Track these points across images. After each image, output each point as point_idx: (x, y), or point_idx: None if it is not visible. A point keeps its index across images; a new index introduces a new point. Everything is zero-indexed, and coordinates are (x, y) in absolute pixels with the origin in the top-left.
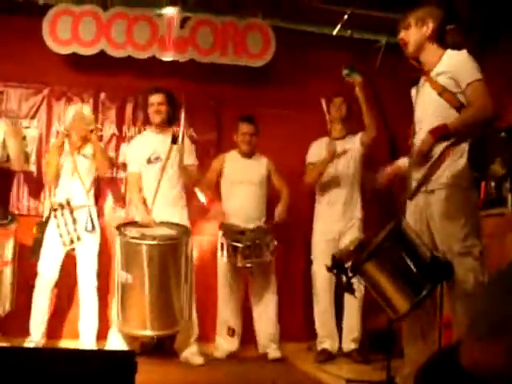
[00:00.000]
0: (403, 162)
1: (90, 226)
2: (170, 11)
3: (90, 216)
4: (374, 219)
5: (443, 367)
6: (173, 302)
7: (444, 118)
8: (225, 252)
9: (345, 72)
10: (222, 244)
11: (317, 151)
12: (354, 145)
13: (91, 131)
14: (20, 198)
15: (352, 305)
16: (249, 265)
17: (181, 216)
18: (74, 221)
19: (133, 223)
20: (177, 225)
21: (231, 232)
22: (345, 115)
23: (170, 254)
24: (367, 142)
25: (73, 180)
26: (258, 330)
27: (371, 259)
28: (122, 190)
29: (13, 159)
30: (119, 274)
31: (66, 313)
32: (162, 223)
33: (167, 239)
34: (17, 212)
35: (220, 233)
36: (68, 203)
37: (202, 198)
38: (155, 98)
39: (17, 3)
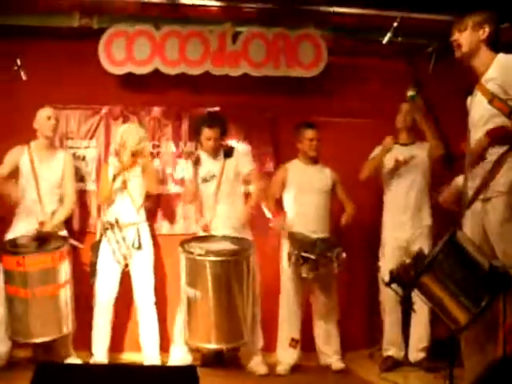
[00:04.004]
0: (461, 179)
1: (136, 244)
2: (222, 27)
3: (138, 234)
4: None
5: (497, 379)
6: (238, 315)
7: (495, 126)
8: (292, 262)
9: (410, 94)
10: (289, 254)
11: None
12: (422, 152)
13: (140, 150)
14: (82, 217)
15: (421, 313)
16: (312, 276)
17: (240, 229)
18: (124, 239)
19: (196, 239)
20: (239, 239)
21: (301, 242)
22: (410, 123)
23: (233, 269)
24: (434, 157)
25: (123, 198)
26: (318, 343)
27: (427, 272)
28: (179, 206)
29: (66, 209)
30: (185, 290)
31: (127, 326)
32: (225, 237)
33: (230, 254)
34: (78, 230)
35: (285, 242)
36: (117, 222)
37: (267, 213)
38: (211, 133)
39: (73, 29)
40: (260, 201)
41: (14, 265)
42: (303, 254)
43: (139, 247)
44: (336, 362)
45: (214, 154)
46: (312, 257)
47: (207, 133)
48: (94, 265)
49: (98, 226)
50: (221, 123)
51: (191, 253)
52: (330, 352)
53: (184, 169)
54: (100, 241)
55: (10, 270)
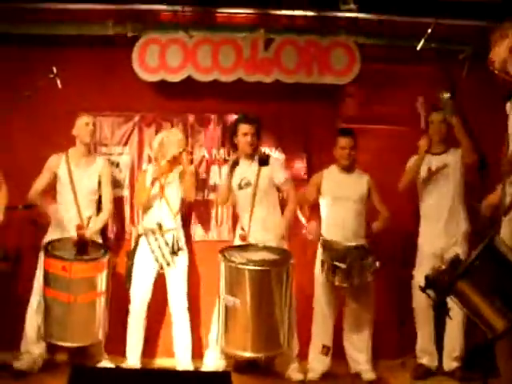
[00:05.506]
0: None
1: (176, 247)
2: (254, 34)
3: (176, 239)
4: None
5: None
6: (277, 324)
7: None
8: (324, 270)
9: (444, 96)
10: (322, 262)
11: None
12: (455, 159)
13: (180, 153)
14: (115, 223)
15: (454, 322)
16: (345, 285)
17: (277, 239)
18: (167, 244)
19: (235, 247)
20: (279, 249)
21: (334, 250)
22: (444, 134)
23: (272, 278)
24: (467, 163)
25: (161, 205)
26: (350, 353)
27: (463, 278)
28: (212, 212)
29: (103, 218)
30: (224, 298)
31: (159, 332)
32: (265, 247)
33: (271, 264)
34: (112, 236)
35: (319, 249)
36: (160, 227)
37: (302, 219)
38: (248, 129)
39: (107, 37)
40: (295, 210)
41: (59, 269)
42: (335, 263)
43: (176, 253)
44: (367, 372)
45: (250, 158)
46: (342, 266)
47: (244, 128)
48: (129, 270)
49: (133, 233)
50: (257, 120)
51: (232, 261)
52: (361, 361)
53: (217, 175)
54: (136, 247)
55: (53, 273)
